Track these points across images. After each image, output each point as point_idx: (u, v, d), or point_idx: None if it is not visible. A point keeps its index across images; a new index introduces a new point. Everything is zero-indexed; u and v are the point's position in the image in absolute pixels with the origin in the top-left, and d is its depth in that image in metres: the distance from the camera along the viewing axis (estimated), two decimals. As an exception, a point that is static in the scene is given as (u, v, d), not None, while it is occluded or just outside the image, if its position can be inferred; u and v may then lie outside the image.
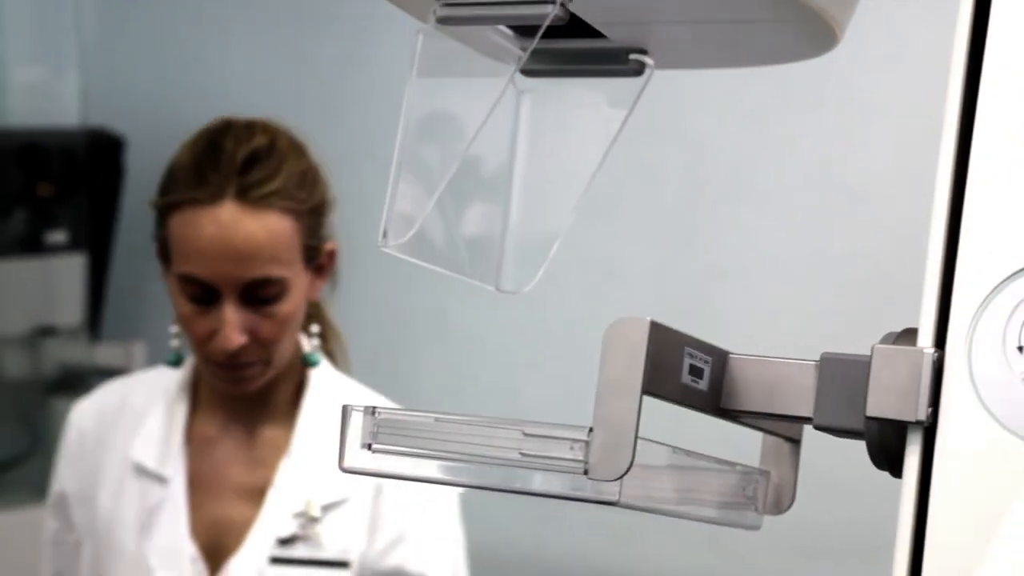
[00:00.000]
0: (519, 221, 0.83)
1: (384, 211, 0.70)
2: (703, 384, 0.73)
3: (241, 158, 1.52)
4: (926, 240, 0.67)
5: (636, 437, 0.64)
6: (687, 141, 2.56)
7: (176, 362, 1.65)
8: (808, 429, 0.76)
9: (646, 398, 0.65)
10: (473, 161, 0.78)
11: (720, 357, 0.74)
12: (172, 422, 1.65)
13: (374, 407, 0.71)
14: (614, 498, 0.66)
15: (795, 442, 0.83)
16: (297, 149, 1.59)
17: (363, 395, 1.67)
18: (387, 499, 1.61)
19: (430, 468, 0.71)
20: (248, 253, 1.51)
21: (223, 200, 1.51)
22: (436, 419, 0.70)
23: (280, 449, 1.63)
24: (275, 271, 1.51)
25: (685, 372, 0.71)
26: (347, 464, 0.73)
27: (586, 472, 0.65)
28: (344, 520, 1.60)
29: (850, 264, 2.43)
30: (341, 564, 1.58)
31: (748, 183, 2.53)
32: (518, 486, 0.69)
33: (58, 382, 2.85)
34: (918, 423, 0.66)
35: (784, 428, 0.81)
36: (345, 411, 0.72)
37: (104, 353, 2.87)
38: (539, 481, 0.68)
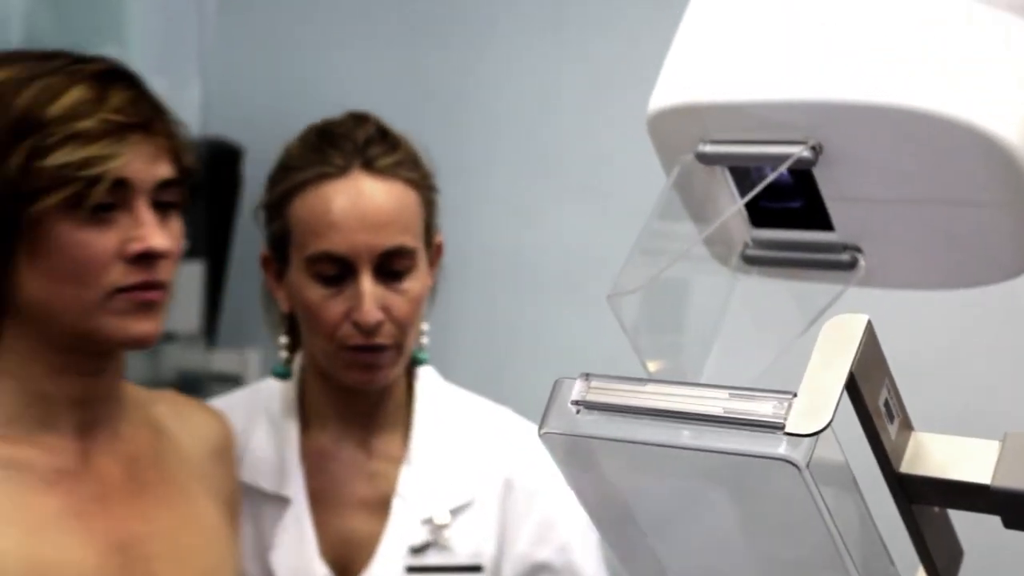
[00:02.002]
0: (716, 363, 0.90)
1: (620, 268, 0.77)
2: (893, 427, 0.76)
3: (361, 137, 1.56)
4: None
5: (837, 405, 0.68)
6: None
7: (284, 374, 1.66)
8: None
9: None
10: (690, 284, 0.86)
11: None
12: (283, 439, 1.64)
13: (588, 373, 0.75)
14: (803, 461, 0.69)
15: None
16: (405, 137, 1.62)
17: (467, 397, 1.67)
18: (521, 494, 1.60)
19: (629, 428, 0.75)
20: (382, 222, 1.53)
21: (351, 171, 1.55)
22: (645, 381, 0.74)
23: (397, 458, 1.64)
24: (408, 241, 1.53)
25: (881, 400, 0.74)
26: (549, 428, 0.77)
27: (783, 428, 0.68)
28: (472, 523, 1.60)
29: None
30: (475, 568, 1.58)
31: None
32: (716, 446, 0.72)
33: (176, 387, 2.90)
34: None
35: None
36: (557, 383, 0.78)
37: (220, 360, 2.92)
38: (734, 442, 0.71)
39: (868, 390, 0.72)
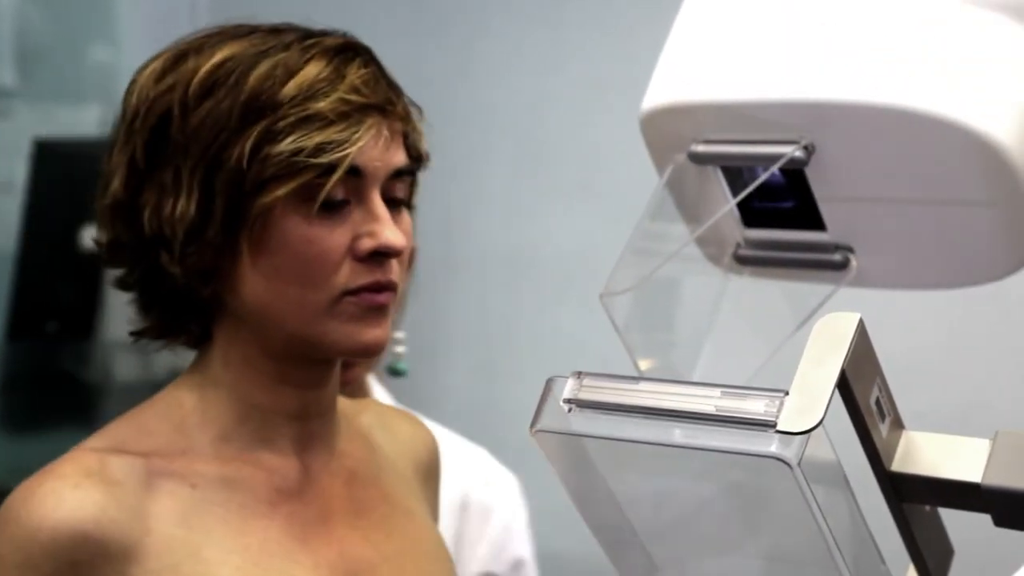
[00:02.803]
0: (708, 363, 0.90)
1: (613, 268, 0.76)
2: (884, 426, 0.76)
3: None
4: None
5: (828, 403, 0.68)
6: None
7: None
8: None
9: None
10: (682, 284, 0.86)
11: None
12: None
13: (580, 371, 0.75)
14: (794, 459, 0.69)
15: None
16: None
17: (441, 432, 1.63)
18: (476, 513, 1.60)
19: (621, 426, 0.75)
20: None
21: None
22: (637, 379, 0.74)
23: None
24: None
25: (872, 399, 0.74)
26: (541, 426, 0.78)
27: (774, 426, 0.69)
28: None
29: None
30: None
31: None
32: (708, 444, 0.72)
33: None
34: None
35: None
36: (549, 382, 0.78)
37: (213, 359, 2.92)
38: (726, 440, 0.71)
39: (859, 389, 0.72)
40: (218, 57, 1.15)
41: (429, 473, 1.38)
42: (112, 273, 1.22)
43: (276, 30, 1.19)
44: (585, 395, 0.75)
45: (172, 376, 3.17)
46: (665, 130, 0.88)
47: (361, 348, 1.16)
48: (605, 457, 0.79)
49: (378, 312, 1.16)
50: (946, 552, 0.87)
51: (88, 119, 3.15)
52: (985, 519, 0.78)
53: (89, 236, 2.88)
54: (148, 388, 3.17)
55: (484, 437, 2.67)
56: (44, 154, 2.99)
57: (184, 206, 1.12)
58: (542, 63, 2.66)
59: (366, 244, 1.15)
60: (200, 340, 1.19)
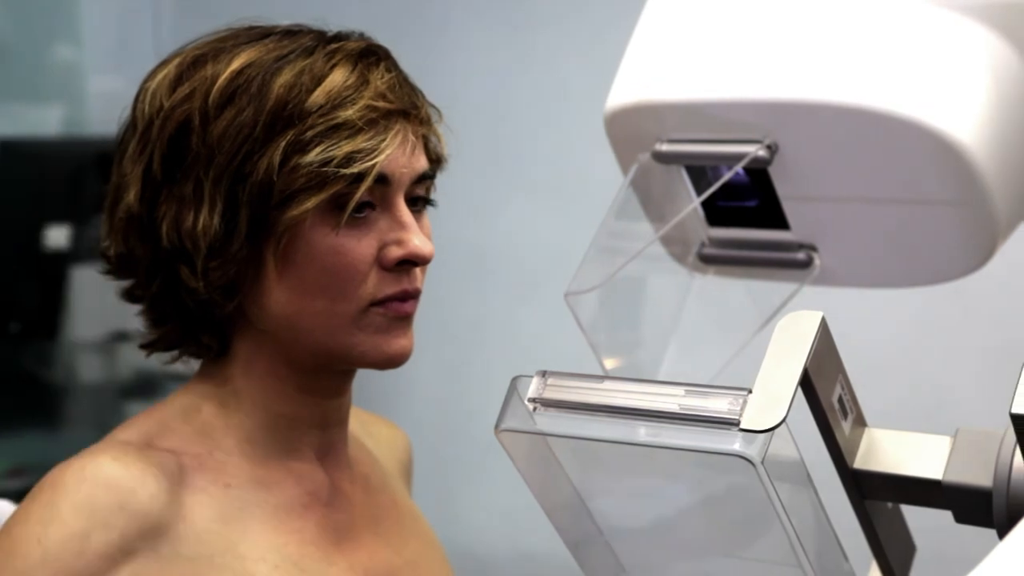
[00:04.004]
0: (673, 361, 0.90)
1: (578, 267, 0.76)
2: (847, 424, 0.76)
3: None
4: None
5: (791, 401, 0.69)
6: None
7: None
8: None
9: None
10: (647, 283, 0.86)
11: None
12: None
13: (545, 370, 0.75)
14: (757, 457, 0.69)
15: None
16: None
17: None
18: None
19: (586, 425, 0.75)
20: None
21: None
22: (602, 378, 0.74)
23: None
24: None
25: (835, 396, 0.75)
26: (506, 426, 0.78)
27: (738, 424, 0.69)
28: None
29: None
30: None
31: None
32: (672, 443, 0.72)
33: (133, 387, 2.89)
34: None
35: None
36: (514, 381, 0.78)
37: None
38: (690, 438, 0.71)
39: (822, 386, 0.73)
40: (237, 63, 1.11)
41: (408, 473, 1.38)
42: (118, 284, 1.17)
43: (291, 32, 1.16)
44: (550, 394, 0.75)
45: (138, 377, 3.13)
46: (629, 129, 0.88)
47: (388, 359, 1.14)
48: (570, 457, 0.79)
49: (404, 321, 1.14)
50: (908, 549, 0.87)
51: (51, 119, 3.13)
52: (947, 516, 0.78)
53: (53, 236, 2.86)
54: (113, 389, 3.16)
55: (451, 436, 2.66)
56: (7, 154, 2.97)
57: (207, 219, 1.09)
58: (507, 62, 2.67)
59: (395, 253, 1.12)
60: (218, 354, 1.15)
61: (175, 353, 1.18)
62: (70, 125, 3.08)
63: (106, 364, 2.87)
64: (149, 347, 1.19)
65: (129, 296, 1.18)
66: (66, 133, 3.08)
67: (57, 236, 2.83)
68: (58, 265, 2.83)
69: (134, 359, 2.86)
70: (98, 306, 2.84)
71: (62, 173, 2.90)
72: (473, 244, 2.66)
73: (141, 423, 1.14)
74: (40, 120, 3.13)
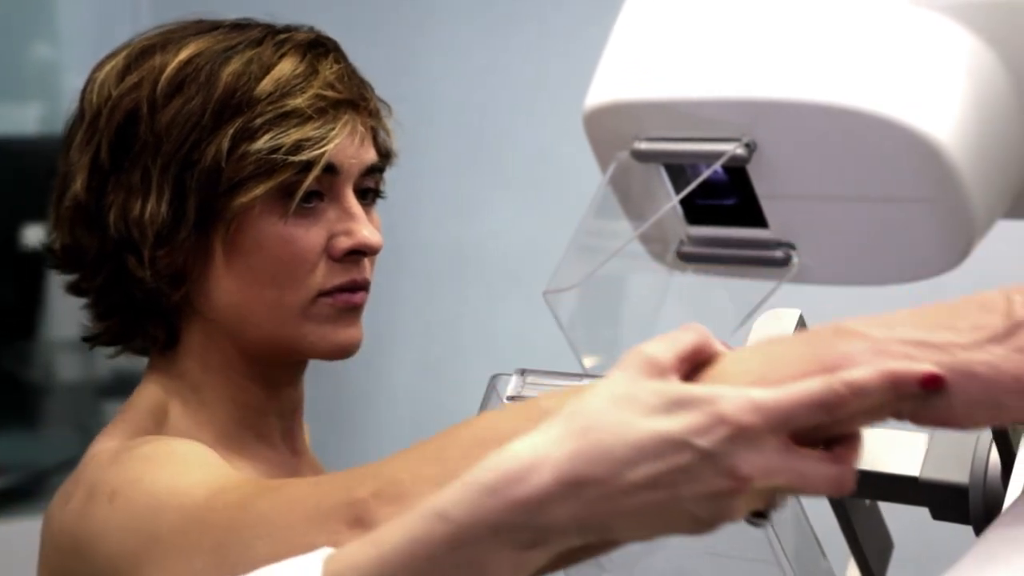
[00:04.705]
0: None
1: (557, 265, 0.77)
2: None
3: None
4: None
5: None
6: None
7: None
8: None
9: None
10: (626, 281, 0.86)
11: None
12: None
13: (523, 368, 0.75)
14: None
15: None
16: None
17: None
18: None
19: None
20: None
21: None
22: (581, 376, 0.74)
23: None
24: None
25: None
26: None
27: None
28: None
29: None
30: None
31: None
32: None
33: (111, 386, 2.88)
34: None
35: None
36: (492, 380, 0.77)
37: (156, 358, 2.90)
38: None
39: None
40: (185, 53, 1.12)
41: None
42: (62, 277, 1.18)
43: (239, 25, 1.16)
44: (529, 392, 0.76)
45: (116, 377, 3.13)
46: (608, 128, 0.88)
47: (338, 349, 1.15)
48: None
49: (353, 312, 1.15)
50: (886, 545, 0.88)
51: (29, 117, 3.12)
52: (924, 512, 0.79)
53: (31, 235, 2.85)
54: (91, 389, 3.15)
55: (429, 433, 2.66)
56: (-16, 152, 2.97)
57: (154, 207, 1.09)
58: (486, 59, 2.67)
59: (343, 243, 1.13)
60: (165, 345, 1.16)
61: (119, 348, 1.21)
62: (47, 124, 3.07)
63: (84, 363, 2.86)
64: (92, 340, 1.20)
65: (75, 289, 1.18)
66: (43, 132, 3.07)
67: (34, 235, 2.82)
68: (35, 264, 2.82)
69: (113, 359, 2.86)
70: (75, 305, 2.83)
71: (39, 172, 2.88)
72: (451, 242, 2.66)
73: (119, 431, 1.15)
74: (17, 119, 3.12)
